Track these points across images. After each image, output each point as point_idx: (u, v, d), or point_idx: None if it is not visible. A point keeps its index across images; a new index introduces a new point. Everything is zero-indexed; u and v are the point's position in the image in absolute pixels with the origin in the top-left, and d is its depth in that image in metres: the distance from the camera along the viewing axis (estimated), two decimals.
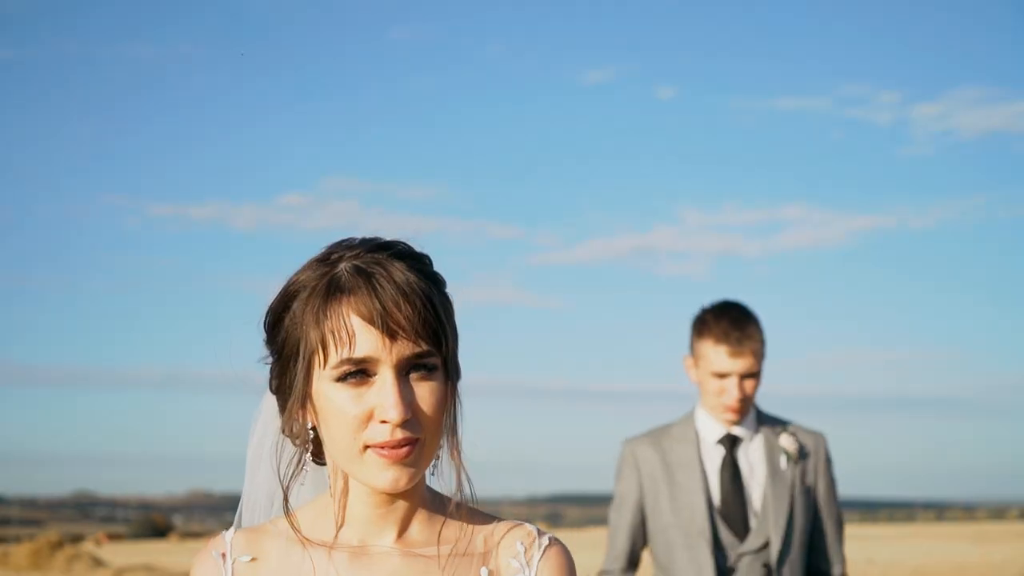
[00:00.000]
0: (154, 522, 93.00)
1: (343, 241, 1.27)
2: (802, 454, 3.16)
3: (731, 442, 3.17)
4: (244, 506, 1.40)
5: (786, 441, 3.16)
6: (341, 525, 1.27)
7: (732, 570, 3.08)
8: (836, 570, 3.23)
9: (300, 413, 1.27)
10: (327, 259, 1.25)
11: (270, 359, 1.30)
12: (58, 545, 21.28)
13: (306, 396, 1.26)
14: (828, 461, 3.23)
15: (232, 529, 1.34)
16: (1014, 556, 23.03)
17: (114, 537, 75.67)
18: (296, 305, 1.26)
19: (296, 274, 1.28)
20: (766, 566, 3.07)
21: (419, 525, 1.26)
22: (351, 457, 1.24)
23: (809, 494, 3.17)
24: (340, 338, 1.21)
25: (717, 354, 3.09)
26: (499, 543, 1.27)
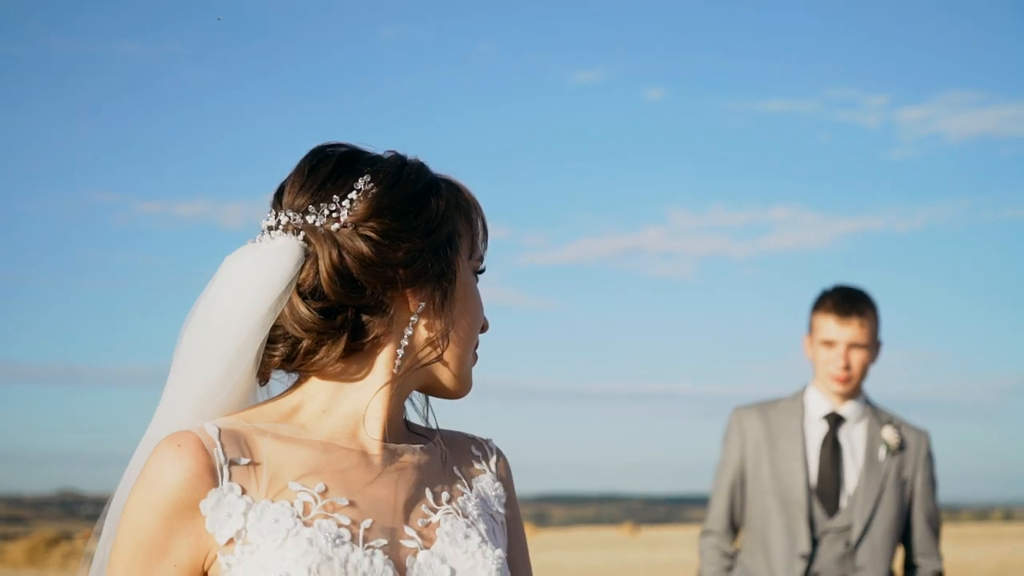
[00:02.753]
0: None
1: (399, 153, 1.29)
2: (901, 447, 3.28)
3: (835, 420, 3.29)
4: (163, 414, 1.24)
5: (888, 433, 3.27)
6: (386, 420, 1.23)
7: (816, 542, 3.21)
8: (929, 564, 3.33)
9: (413, 299, 1.22)
10: (415, 160, 1.28)
11: (394, 235, 1.21)
12: (54, 542, 21.35)
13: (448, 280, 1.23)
14: (929, 458, 3.33)
15: (211, 423, 1.19)
16: (988, 555, 23.35)
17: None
18: (444, 190, 1.26)
19: (400, 161, 1.26)
20: (847, 544, 3.19)
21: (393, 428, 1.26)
22: (467, 350, 1.26)
23: (903, 487, 3.27)
24: (485, 233, 1.29)
25: (826, 322, 3.27)
26: (455, 444, 1.32)
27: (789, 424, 3.30)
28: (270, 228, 1.23)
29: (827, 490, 3.23)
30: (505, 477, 1.32)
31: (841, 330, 3.23)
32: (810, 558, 3.18)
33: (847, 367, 3.23)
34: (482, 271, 1.29)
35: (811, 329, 3.31)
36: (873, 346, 3.28)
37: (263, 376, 1.23)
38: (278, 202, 1.25)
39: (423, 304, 1.22)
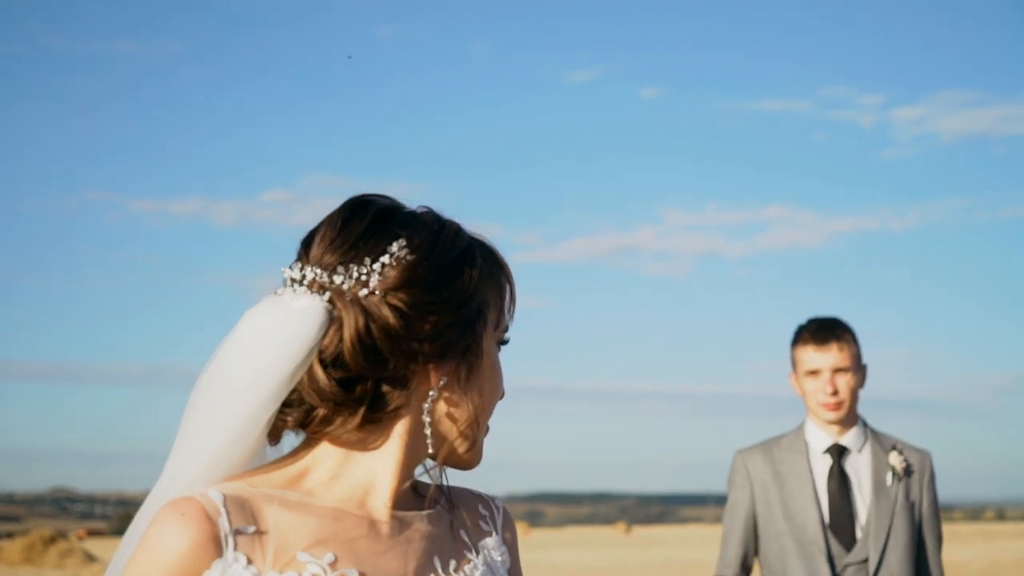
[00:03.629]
0: (134, 518, 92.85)
1: (434, 211, 1.24)
2: (907, 472, 3.31)
3: (839, 452, 3.32)
4: (172, 471, 1.19)
5: (895, 459, 3.29)
6: (396, 490, 1.20)
7: None
8: None
9: (436, 373, 1.17)
10: (451, 222, 1.23)
11: (423, 307, 1.16)
12: (51, 540, 21.40)
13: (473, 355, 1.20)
14: (932, 478, 3.37)
15: (216, 488, 1.14)
16: (979, 554, 23.44)
17: (94, 533, 75.25)
18: (479, 258, 1.21)
19: (438, 224, 1.21)
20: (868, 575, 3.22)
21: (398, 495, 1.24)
22: (483, 423, 1.22)
23: (912, 510, 3.30)
24: (513, 303, 1.25)
25: (806, 353, 3.32)
26: (462, 503, 1.29)
27: (795, 462, 3.32)
28: (294, 281, 1.16)
29: (841, 523, 3.26)
30: (510, 541, 1.30)
31: (822, 357, 3.27)
32: None
33: (835, 392, 3.27)
34: (506, 342, 1.24)
35: (794, 364, 3.37)
36: (858, 369, 3.32)
37: (274, 437, 1.18)
38: (305, 253, 1.18)
39: (445, 378, 1.17)
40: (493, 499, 1.31)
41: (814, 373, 3.30)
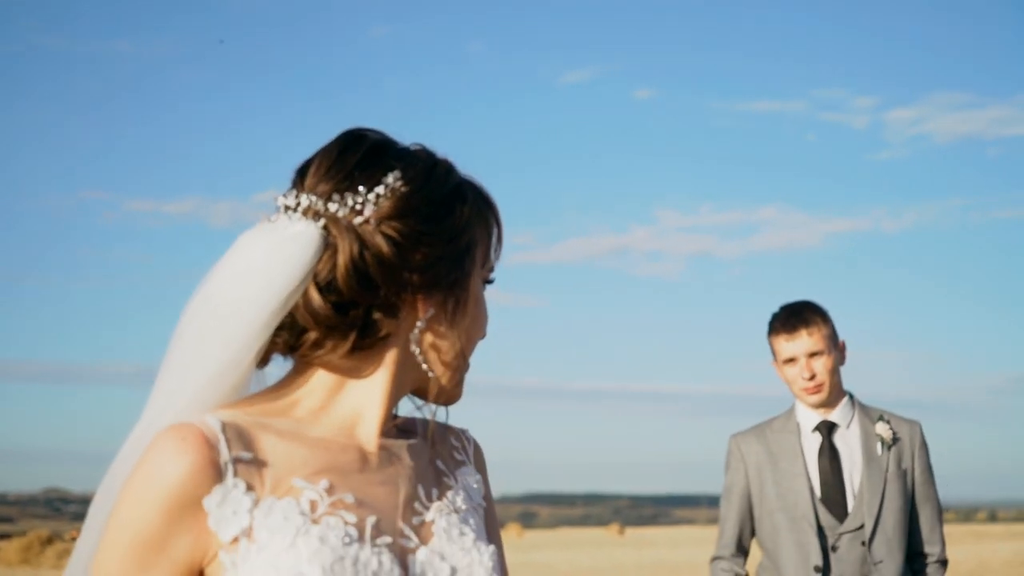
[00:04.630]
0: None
1: (427, 148, 1.26)
2: (895, 440, 3.38)
3: (828, 428, 3.40)
4: (159, 400, 1.17)
5: (881, 428, 3.37)
6: (383, 419, 1.22)
7: (834, 548, 3.31)
8: (934, 551, 3.43)
9: (424, 304, 1.20)
10: (444, 160, 1.25)
11: (415, 237, 1.17)
12: (48, 541, 21.40)
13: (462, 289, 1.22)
14: (924, 447, 3.43)
15: (213, 415, 1.13)
16: (969, 555, 23.54)
17: None
18: (470, 196, 1.24)
19: (431, 160, 1.23)
20: (863, 544, 3.30)
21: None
22: (466, 356, 1.25)
23: (904, 478, 3.37)
24: (500, 244, 1.27)
25: (779, 342, 3.42)
26: (437, 436, 1.32)
27: (786, 442, 3.40)
28: (288, 208, 1.17)
29: (833, 497, 3.33)
30: (481, 467, 1.35)
31: (794, 344, 3.36)
32: (827, 567, 3.29)
33: (813, 376, 3.35)
34: (491, 281, 1.28)
35: (773, 353, 3.46)
36: (833, 349, 3.39)
37: (263, 360, 1.19)
38: (300, 181, 1.19)
39: (432, 310, 1.20)
40: (463, 431, 1.35)
41: (790, 361, 3.38)
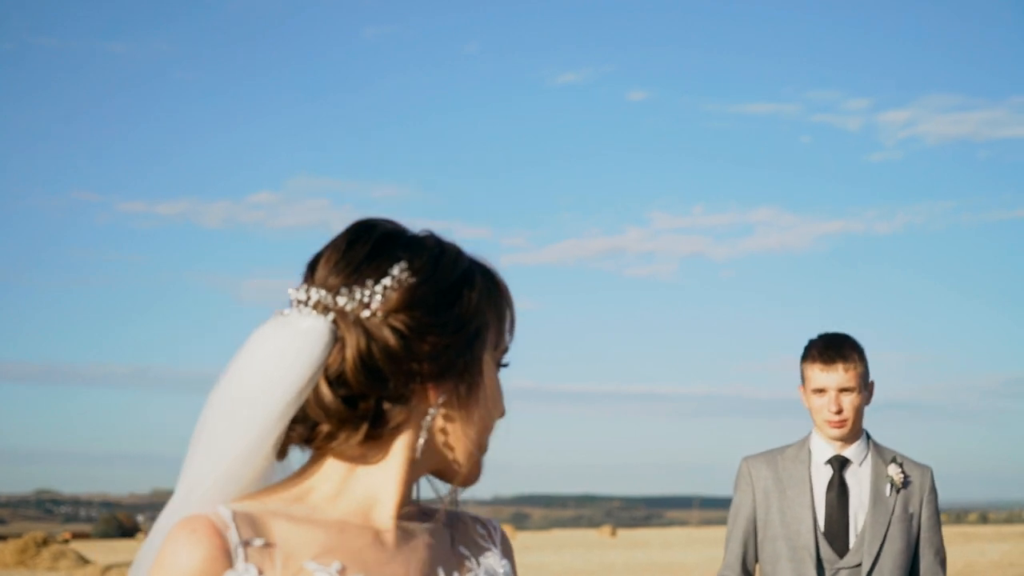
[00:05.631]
0: (120, 521, 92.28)
1: (436, 235, 1.27)
2: (905, 484, 3.43)
3: (840, 463, 3.45)
4: (184, 489, 1.22)
5: (893, 471, 3.42)
6: (399, 502, 1.24)
7: None
8: None
9: (435, 392, 1.21)
10: (452, 246, 1.27)
11: (423, 329, 1.19)
12: (43, 543, 21.49)
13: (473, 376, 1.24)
14: (933, 492, 3.50)
15: (225, 506, 1.18)
16: (958, 555, 23.71)
17: (79, 536, 74.89)
18: (478, 281, 1.25)
19: (438, 248, 1.25)
20: None
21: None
22: (484, 441, 1.27)
23: (910, 522, 3.42)
24: (512, 326, 1.29)
25: (813, 371, 3.44)
26: (461, 523, 1.34)
27: (796, 471, 3.45)
28: (300, 302, 1.21)
29: (836, 531, 3.39)
30: (508, 554, 1.36)
31: (828, 376, 3.39)
32: None
33: (839, 411, 3.38)
34: (505, 365, 1.29)
35: (802, 379, 3.49)
36: (864, 388, 3.43)
37: (281, 452, 1.23)
38: (310, 275, 1.22)
39: (444, 397, 1.21)
40: (489, 520, 1.37)
41: (820, 391, 3.41)
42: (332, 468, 1.22)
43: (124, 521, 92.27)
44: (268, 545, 1.16)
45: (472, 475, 1.27)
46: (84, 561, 21.17)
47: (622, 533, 67.59)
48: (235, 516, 1.16)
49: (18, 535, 22.38)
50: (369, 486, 1.22)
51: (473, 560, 1.29)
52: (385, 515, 1.22)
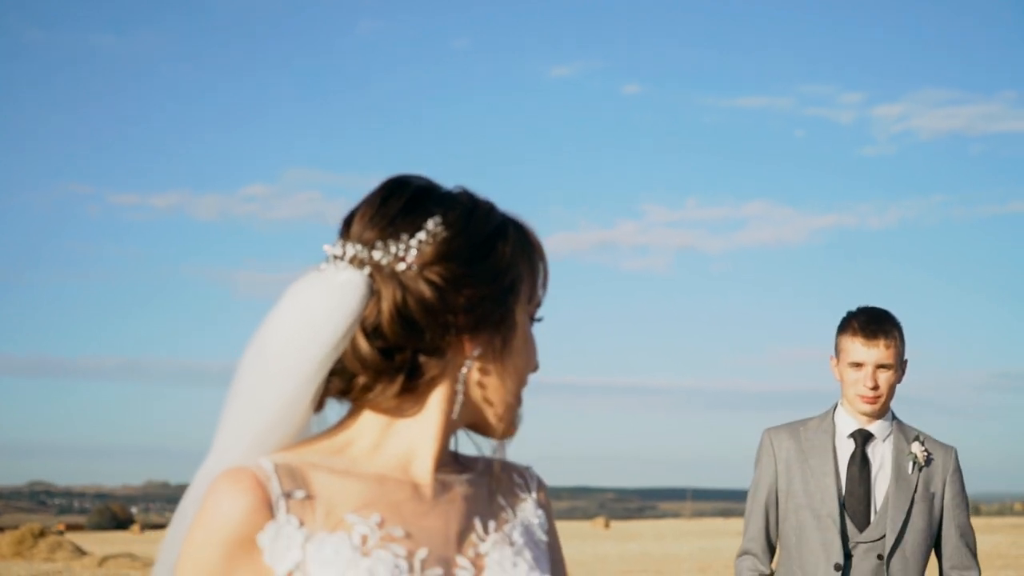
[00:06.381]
0: (114, 512, 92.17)
1: (470, 191, 1.29)
2: (928, 462, 3.40)
3: (864, 438, 3.42)
4: (222, 444, 1.23)
5: (916, 448, 3.40)
6: (437, 455, 1.25)
7: (849, 555, 3.35)
8: (965, 575, 3.46)
9: (470, 344, 1.23)
10: (485, 201, 1.28)
11: (458, 280, 1.21)
12: (40, 534, 21.52)
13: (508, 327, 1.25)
14: (957, 472, 3.45)
15: (267, 458, 1.19)
16: None
17: (73, 528, 74.76)
18: (512, 234, 1.26)
19: (472, 202, 1.26)
20: (880, 556, 3.33)
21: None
22: (519, 394, 1.28)
23: (931, 501, 3.39)
24: (546, 280, 1.30)
25: (854, 344, 3.38)
26: (499, 471, 1.35)
27: (820, 441, 3.43)
28: (336, 257, 1.23)
29: (857, 505, 3.37)
30: (545, 504, 1.38)
31: (868, 352, 3.35)
32: (844, 570, 3.33)
33: (875, 387, 3.35)
34: (539, 319, 1.31)
35: (837, 351, 3.45)
36: (899, 366, 3.42)
37: (318, 405, 1.25)
38: (346, 230, 1.24)
39: (479, 349, 1.23)
40: (527, 468, 1.38)
41: (858, 365, 3.37)
42: (370, 421, 1.24)
43: (118, 513, 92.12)
44: (309, 497, 1.18)
45: (509, 428, 1.29)
46: (81, 552, 21.22)
47: (616, 525, 67.69)
48: (277, 468, 1.18)
49: (13, 527, 22.38)
50: (407, 439, 1.24)
51: (510, 511, 1.32)
52: (423, 468, 1.24)
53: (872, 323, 3.36)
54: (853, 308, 3.47)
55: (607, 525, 62.90)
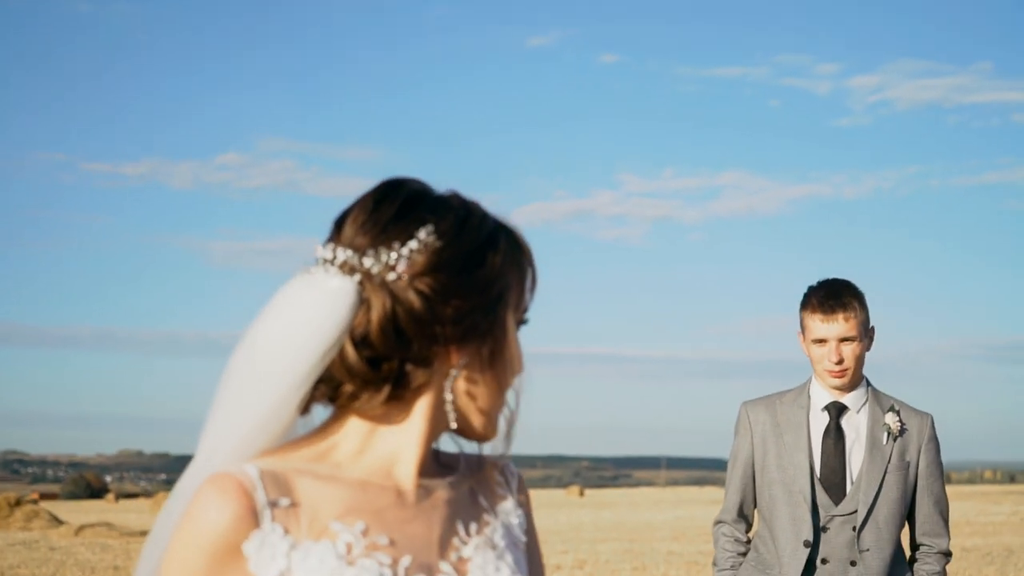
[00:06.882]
0: (88, 482, 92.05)
1: (461, 195, 1.28)
2: (902, 432, 3.40)
3: (838, 410, 3.42)
4: (208, 446, 1.23)
5: (890, 419, 3.39)
6: (420, 461, 1.25)
7: (824, 529, 3.36)
8: (936, 542, 3.47)
9: (457, 354, 1.22)
10: (478, 207, 1.28)
11: (447, 292, 1.20)
12: (16, 503, 21.48)
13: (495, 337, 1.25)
14: (933, 440, 3.44)
15: (252, 464, 1.19)
16: None
17: (47, 496, 74.51)
18: (502, 243, 1.26)
19: (464, 210, 1.25)
20: (854, 528, 3.35)
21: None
22: (501, 399, 1.28)
23: (906, 470, 3.38)
24: (534, 285, 1.30)
25: (813, 321, 3.38)
26: (479, 470, 1.36)
27: (794, 416, 3.43)
28: (326, 261, 1.22)
29: (832, 478, 3.37)
30: (524, 502, 1.39)
31: (829, 327, 3.34)
32: (816, 545, 3.36)
33: (840, 361, 3.34)
34: (525, 322, 1.31)
35: (802, 327, 3.45)
36: (864, 336, 3.40)
37: (304, 409, 1.24)
38: (337, 233, 1.23)
39: (466, 359, 1.23)
40: (507, 465, 1.38)
41: (821, 341, 3.37)
42: (355, 427, 1.23)
43: (93, 482, 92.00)
44: (294, 505, 1.17)
45: (489, 432, 1.29)
46: (57, 521, 21.20)
47: (590, 493, 68.11)
48: (262, 475, 1.17)
49: (2, 496, 22.30)
50: (391, 445, 1.24)
51: (491, 512, 1.32)
52: (406, 474, 1.24)
53: (830, 298, 3.34)
54: (814, 283, 3.45)
55: (581, 494, 63.35)
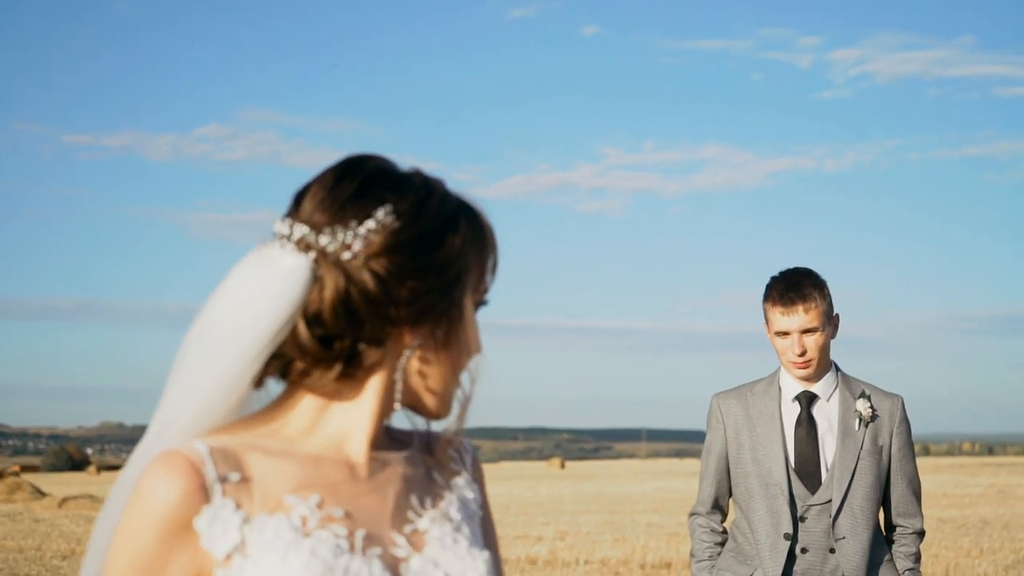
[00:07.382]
0: (70, 454, 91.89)
1: (424, 173, 1.27)
2: (874, 417, 3.40)
3: (808, 399, 3.43)
4: (160, 423, 1.22)
5: (861, 405, 3.39)
6: (372, 435, 1.25)
7: (802, 519, 3.37)
8: (910, 523, 3.50)
9: (410, 335, 1.22)
10: (440, 187, 1.26)
11: (403, 273, 1.20)
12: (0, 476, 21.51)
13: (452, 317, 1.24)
14: (904, 423, 3.45)
15: (200, 440, 1.19)
16: None
17: (28, 469, 74.35)
18: (463, 224, 1.25)
19: (425, 190, 1.24)
20: (830, 516, 3.36)
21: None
22: (454, 379, 1.28)
23: (879, 455, 3.40)
24: (495, 267, 1.29)
25: (774, 314, 3.38)
26: (434, 445, 1.36)
27: (766, 407, 3.43)
28: (283, 237, 1.22)
29: (807, 468, 3.38)
30: (479, 477, 1.40)
31: (789, 320, 3.34)
32: (795, 536, 3.37)
33: (803, 353, 3.35)
34: (485, 303, 1.30)
35: (765, 319, 3.46)
36: (827, 325, 3.40)
37: (258, 383, 1.24)
38: (296, 209, 1.23)
39: (420, 340, 1.23)
40: (462, 443, 1.38)
41: (783, 334, 3.37)
42: (306, 403, 1.23)
43: (74, 454, 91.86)
44: (245, 479, 1.17)
45: (442, 412, 1.29)
46: (40, 494, 21.21)
47: (571, 465, 68.34)
48: (211, 451, 1.17)
49: None
50: (342, 422, 1.24)
51: (446, 486, 1.33)
52: (358, 448, 1.24)
53: (789, 290, 3.34)
54: (776, 273, 3.44)
55: (562, 466, 63.58)
